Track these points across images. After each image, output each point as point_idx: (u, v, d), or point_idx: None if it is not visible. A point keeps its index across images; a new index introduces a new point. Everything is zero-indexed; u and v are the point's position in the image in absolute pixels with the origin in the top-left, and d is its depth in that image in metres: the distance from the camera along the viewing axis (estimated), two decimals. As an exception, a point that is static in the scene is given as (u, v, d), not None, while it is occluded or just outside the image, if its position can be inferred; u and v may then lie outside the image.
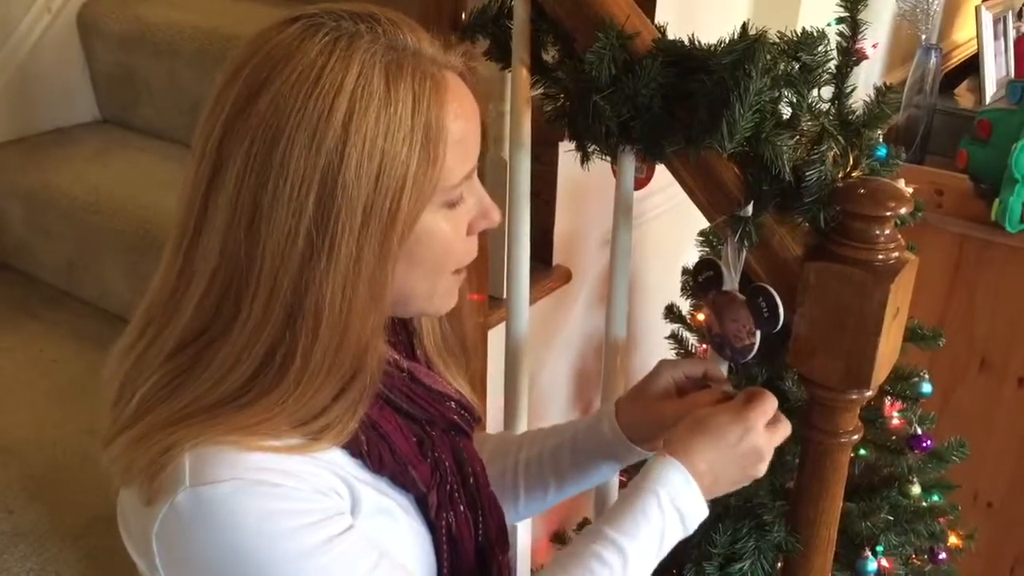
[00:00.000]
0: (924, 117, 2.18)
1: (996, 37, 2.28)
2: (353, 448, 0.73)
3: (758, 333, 0.97)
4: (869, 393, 0.95)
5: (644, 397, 0.96)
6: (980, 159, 1.94)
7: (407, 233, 0.69)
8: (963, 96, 2.40)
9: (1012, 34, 2.33)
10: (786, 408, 1.11)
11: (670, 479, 0.82)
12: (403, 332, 0.85)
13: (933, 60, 2.13)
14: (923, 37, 2.13)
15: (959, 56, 2.53)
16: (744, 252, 0.95)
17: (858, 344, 0.91)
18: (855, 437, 0.98)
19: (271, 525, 0.66)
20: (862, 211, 0.89)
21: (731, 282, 0.98)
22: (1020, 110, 1.87)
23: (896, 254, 0.91)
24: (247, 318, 0.67)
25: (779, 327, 0.95)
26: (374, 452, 0.74)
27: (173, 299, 0.71)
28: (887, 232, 0.90)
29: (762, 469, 0.87)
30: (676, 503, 0.82)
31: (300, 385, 0.68)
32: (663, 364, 0.98)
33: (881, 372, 0.93)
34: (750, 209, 0.94)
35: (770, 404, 0.88)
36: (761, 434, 0.86)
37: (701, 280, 1.03)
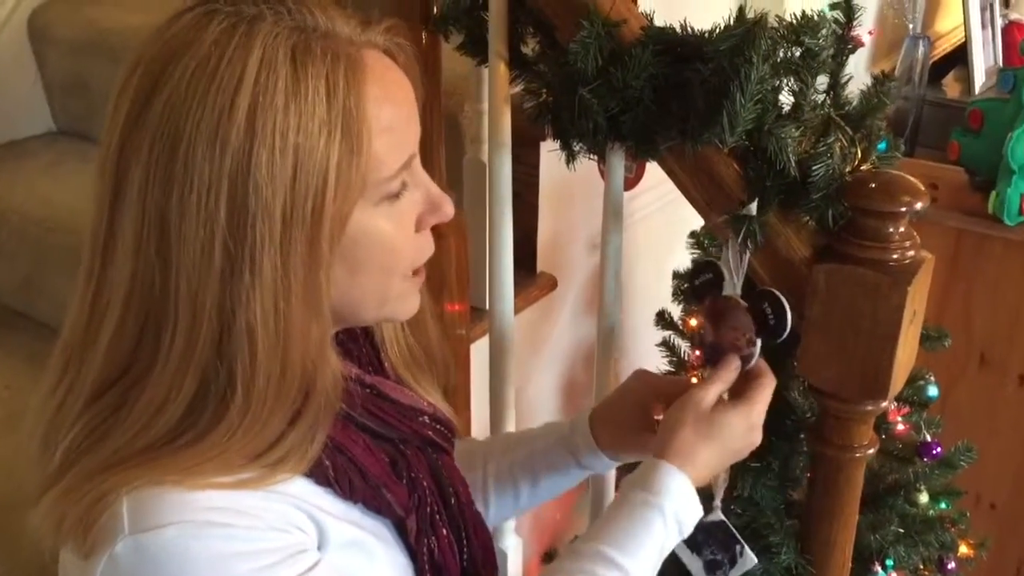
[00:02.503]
0: (913, 109, 2.13)
1: (983, 26, 2.23)
2: (319, 476, 0.66)
3: (758, 342, 0.90)
4: (885, 404, 0.89)
5: (623, 426, 0.92)
6: (972, 150, 1.89)
7: (338, 234, 0.62)
8: (950, 86, 2.35)
9: (1000, 22, 2.28)
10: (793, 422, 1.05)
11: (675, 491, 0.79)
12: (367, 345, 0.78)
13: (921, 50, 2.08)
14: (909, 27, 2.08)
15: (944, 46, 2.48)
16: (748, 254, 0.88)
17: (873, 351, 0.84)
18: (870, 451, 0.92)
19: (224, 570, 0.59)
20: (874, 207, 0.83)
21: (733, 287, 0.91)
22: (1013, 99, 1.82)
23: (912, 253, 0.84)
24: (169, 350, 0.60)
25: (786, 335, 0.89)
26: (343, 478, 0.67)
27: (88, 335, 0.63)
28: (902, 229, 0.84)
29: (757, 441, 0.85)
30: (679, 517, 0.79)
31: (246, 417, 0.61)
32: (637, 382, 0.94)
33: (898, 380, 0.87)
34: (754, 208, 0.86)
35: (771, 389, 0.86)
36: (760, 424, 0.84)
37: (698, 284, 0.96)
